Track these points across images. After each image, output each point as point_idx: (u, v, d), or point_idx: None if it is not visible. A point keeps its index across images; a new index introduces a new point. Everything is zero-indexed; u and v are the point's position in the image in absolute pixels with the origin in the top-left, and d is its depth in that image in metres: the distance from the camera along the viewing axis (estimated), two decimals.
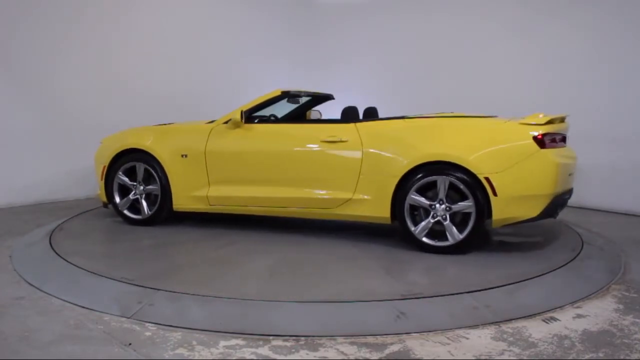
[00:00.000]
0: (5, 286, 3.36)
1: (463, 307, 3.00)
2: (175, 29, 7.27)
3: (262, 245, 4.25)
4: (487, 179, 3.82)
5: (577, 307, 3.11)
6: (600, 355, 2.50)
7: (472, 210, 3.87)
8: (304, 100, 5.50)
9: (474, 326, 2.80)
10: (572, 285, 3.44)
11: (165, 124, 5.30)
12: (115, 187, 4.92)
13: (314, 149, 4.39)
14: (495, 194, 3.81)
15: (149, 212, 4.84)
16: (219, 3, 7.85)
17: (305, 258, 3.93)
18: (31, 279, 3.46)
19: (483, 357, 2.46)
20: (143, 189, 4.87)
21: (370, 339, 2.64)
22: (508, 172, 3.82)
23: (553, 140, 3.91)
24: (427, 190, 4.00)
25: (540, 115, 4.00)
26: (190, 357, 2.44)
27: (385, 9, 8.07)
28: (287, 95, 4.80)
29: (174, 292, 3.11)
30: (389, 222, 4.15)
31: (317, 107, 5.71)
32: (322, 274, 3.57)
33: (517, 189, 3.83)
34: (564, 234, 4.70)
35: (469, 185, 3.86)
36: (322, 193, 4.34)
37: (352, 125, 4.34)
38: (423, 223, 4.00)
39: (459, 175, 3.89)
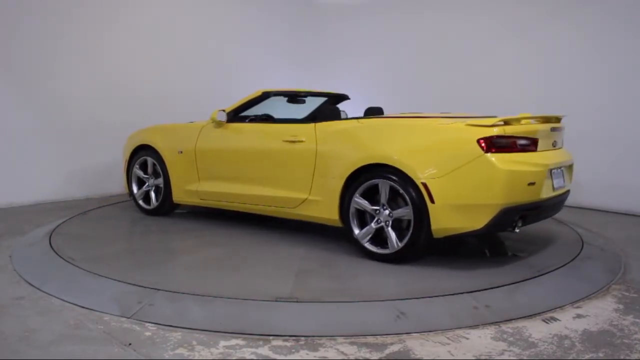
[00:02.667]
0: (5, 286, 3.36)
1: (463, 307, 3.00)
2: (176, 29, 7.27)
3: (216, 239, 4.45)
4: (424, 184, 3.52)
5: (577, 307, 3.11)
6: (600, 355, 2.50)
7: (411, 217, 3.60)
8: (320, 100, 5.51)
9: (474, 326, 2.80)
10: (572, 285, 3.44)
11: (191, 122, 5.43)
12: (134, 179, 5.46)
13: (276, 148, 4.40)
14: (432, 201, 3.49)
15: (156, 204, 5.28)
16: (219, 3, 7.85)
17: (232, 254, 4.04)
18: (31, 279, 3.46)
19: (483, 357, 2.46)
20: (153, 182, 5.32)
21: (370, 339, 2.64)
22: (448, 178, 3.47)
23: (508, 144, 3.49)
24: (376, 193, 3.78)
25: (526, 116, 3.71)
26: (190, 357, 2.44)
27: (385, 8, 8.07)
28: (269, 95, 4.82)
29: (174, 292, 3.11)
30: (339, 224, 4.02)
31: (341, 108, 5.69)
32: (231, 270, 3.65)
33: (457, 196, 3.46)
34: (564, 234, 4.70)
35: (408, 191, 3.60)
36: (283, 192, 4.35)
37: (312, 125, 4.26)
38: (365, 228, 3.82)
39: (398, 179, 3.64)
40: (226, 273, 3.57)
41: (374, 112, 4.84)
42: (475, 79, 7.02)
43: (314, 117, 5.49)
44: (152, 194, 5.32)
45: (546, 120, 3.91)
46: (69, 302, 3.06)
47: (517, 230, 3.60)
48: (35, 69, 6.03)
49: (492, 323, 2.84)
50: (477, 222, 3.45)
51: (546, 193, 3.67)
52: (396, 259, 3.71)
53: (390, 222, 3.73)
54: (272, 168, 4.45)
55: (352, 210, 3.88)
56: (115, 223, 5.06)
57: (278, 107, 5.26)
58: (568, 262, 3.79)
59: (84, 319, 2.84)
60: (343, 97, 5.56)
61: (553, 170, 3.74)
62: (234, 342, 2.60)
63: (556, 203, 3.94)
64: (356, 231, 3.88)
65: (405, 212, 3.64)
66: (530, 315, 2.95)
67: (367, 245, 3.83)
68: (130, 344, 2.55)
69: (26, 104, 6.01)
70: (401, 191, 3.63)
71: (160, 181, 5.20)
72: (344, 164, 3.91)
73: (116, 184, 6.74)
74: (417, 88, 7.63)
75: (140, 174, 5.38)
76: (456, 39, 7.27)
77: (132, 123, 6.80)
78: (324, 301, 3.02)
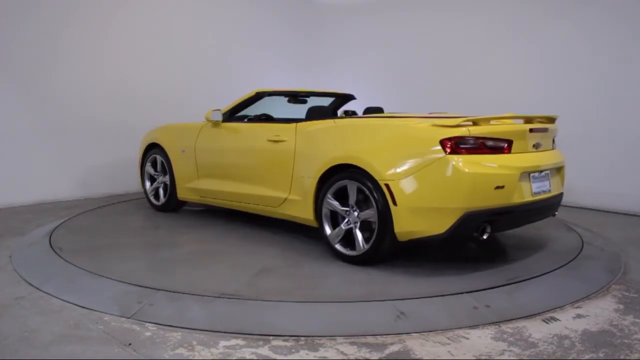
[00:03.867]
0: (5, 286, 3.36)
1: (463, 307, 3.00)
2: (176, 29, 7.28)
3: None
4: (387, 185, 3.43)
5: (577, 307, 3.11)
6: (600, 355, 2.50)
7: (375, 219, 3.53)
8: (330, 101, 5.54)
9: (474, 326, 2.80)
10: (572, 285, 3.44)
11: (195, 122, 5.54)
12: (147, 176, 5.69)
13: (261, 148, 4.44)
14: (394, 203, 3.40)
15: (163, 200, 5.51)
16: (219, 3, 7.85)
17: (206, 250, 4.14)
18: (31, 279, 3.46)
19: (483, 357, 2.46)
20: (161, 179, 5.54)
21: (370, 339, 2.64)
22: (410, 180, 3.36)
23: (474, 146, 3.35)
24: (347, 194, 3.73)
25: (510, 115, 3.65)
26: (190, 357, 2.44)
27: (385, 8, 8.08)
28: (262, 96, 4.86)
29: (174, 292, 3.11)
30: (315, 224, 4.00)
31: (346, 108, 5.71)
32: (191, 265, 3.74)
33: (419, 199, 3.35)
34: (564, 234, 4.70)
35: (372, 192, 3.52)
36: (267, 191, 4.39)
37: (293, 125, 4.26)
38: (336, 229, 3.80)
39: (364, 180, 3.58)
40: (188, 268, 3.66)
41: (373, 112, 4.85)
42: (476, 79, 7.02)
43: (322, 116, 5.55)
44: (161, 191, 5.55)
45: (528, 120, 3.77)
46: (69, 302, 3.06)
47: (484, 237, 3.42)
48: (35, 69, 6.03)
49: (492, 323, 2.84)
50: (440, 226, 3.32)
51: (520, 197, 3.47)
52: (362, 261, 3.65)
53: (358, 224, 3.68)
54: (257, 167, 4.52)
55: (324, 211, 3.87)
56: (115, 223, 5.06)
57: (279, 107, 5.27)
58: (568, 262, 3.79)
59: (84, 319, 2.84)
60: (349, 97, 5.56)
61: (532, 174, 3.59)
62: (234, 342, 2.60)
63: (540, 208, 3.72)
64: (328, 232, 3.86)
65: (370, 214, 3.57)
66: (530, 315, 2.95)
67: (337, 247, 3.79)
68: (130, 344, 2.55)
69: (26, 104, 6.02)
70: (367, 192, 3.56)
71: (167, 178, 5.42)
72: (317, 164, 3.90)
73: (116, 183, 6.75)
74: (417, 88, 7.64)
75: (152, 171, 5.62)
76: (456, 39, 7.27)
77: (132, 123, 6.82)
78: (324, 301, 3.02)
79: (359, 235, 3.67)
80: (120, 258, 3.85)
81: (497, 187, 3.32)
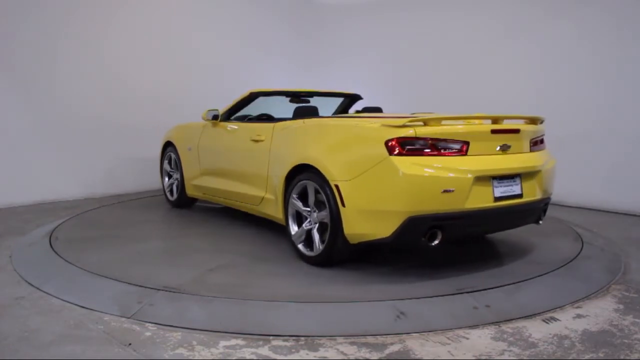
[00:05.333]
0: (5, 286, 3.36)
1: (463, 307, 3.00)
2: (176, 29, 7.28)
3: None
4: (336, 186, 3.38)
5: (577, 307, 3.11)
6: (600, 355, 2.50)
7: (328, 220, 3.49)
8: (333, 100, 5.62)
9: (474, 326, 2.80)
10: (572, 285, 3.44)
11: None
12: (164, 173, 5.92)
13: (244, 147, 4.51)
14: (343, 204, 3.34)
15: (176, 196, 5.74)
16: (220, 3, 7.85)
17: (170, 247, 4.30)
18: (31, 279, 3.46)
19: (483, 357, 2.46)
20: (175, 176, 5.73)
21: (370, 339, 2.64)
22: (357, 181, 3.29)
23: (421, 147, 3.20)
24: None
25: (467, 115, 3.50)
26: (190, 357, 2.44)
27: (385, 8, 8.08)
28: (256, 96, 4.91)
29: (174, 292, 3.11)
30: (284, 224, 3.99)
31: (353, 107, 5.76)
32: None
33: (366, 201, 3.27)
34: (564, 234, 4.70)
35: (326, 193, 3.47)
36: (249, 189, 4.46)
37: (272, 125, 4.27)
38: (299, 230, 3.78)
39: (320, 180, 3.53)
40: (146, 263, 3.75)
41: (371, 112, 4.86)
42: (475, 79, 7.03)
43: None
44: (174, 187, 5.77)
45: (495, 121, 3.57)
46: (69, 302, 3.06)
47: (434, 244, 3.27)
48: (35, 69, 6.03)
49: (492, 323, 2.84)
50: (385, 230, 3.22)
51: (477, 203, 3.27)
52: (319, 262, 3.62)
53: (317, 225, 3.65)
54: (241, 165, 4.60)
55: (290, 210, 3.85)
56: (115, 223, 5.06)
57: (282, 107, 5.28)
58: (568, 262, 3.79)
59: (84, 319, 2.84)
60: (355, 97, 5.57)
61: (495, 178, 3.38)
62: (234, 342, 2.60)
63: (506, 214, 3.51)
64: (292, 232, 3.85)
65: (325, 215, 3.53)
66: (530, 315, 2.95)
67: (300, 247, 3.78)
68: (130, 344, 2.55)
69: (26, 104, 6.01)
70: (321, 193, 3.53)
71: (179, 175, 5.64)
72: (285, 164, 3.90)
73: (116, 183, 6.74)
74: (417, 88, 7.64)
75: (168, 168, 5.86)
76: (456, 39, 7.27)
77: (132, 123, 6.83)
78: (324, 301, 3.02)
79: (316, 236, 3.65)
80: (120, 258, 3.84)
81: (445, 191, 3.15)
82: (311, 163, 3.60)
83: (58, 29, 6.17)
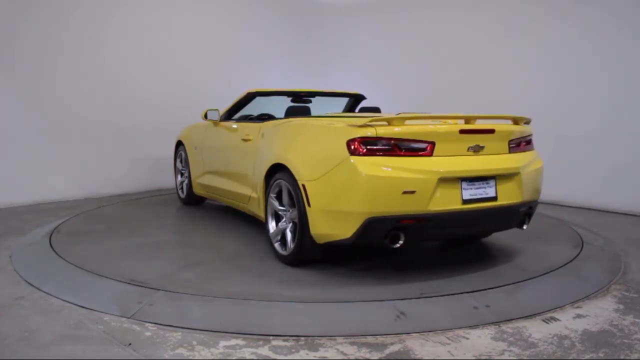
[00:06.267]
0: (5, 286, 3.36)
1: (463, 307, 3.00)
2: (176, 29, 7.28)
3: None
4: (303, 186, 3.38)
5: (577, 307, 3.11)
6: (600, 355, 2.50)
7: (297, 219, 3.49)
8: (346, 103, 5.64)
9: (474, 326, 2.80)
10: (572, 285, 3.44)
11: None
12: (176, 171, 6.09)
13: (235, 146, 4.57)
14: (309, 204, 3.34)
15: (185, 194, 5.89)
16: (219, 3, 7.85)
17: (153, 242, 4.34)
18: (31, 279, 3.46)
19: (483, 357, 2.46)
20: (186, 174, 5.82)
21: (370, 339, 2.64)
22: (321, 181, 3.27)
23: (382, 147, 3.14)
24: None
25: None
26: (190, 357, 2.44)
27: (385, 8, 8.08)
28: (254, 95, 4.94)
29: (174, 292, 3.11)
30: None
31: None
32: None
33: (328, 201, 3.25)
34: (564, 234, 4.70)
35: (296, 192, 3.47)
36: (240, 188, 4.51)
37: (260, 124, 4.29)
38: (276, 229, 3.78)
39: (291, 180, 3.53)
40: (127, 257, 3.85)
41: (368, 112, 4.87)
42: (475, 79, 7.03)
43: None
44: (184, 186, 5.90)
45: (467, 121, 3.43)
46: (69, 302, 3.06)
47: (397, 246, 3.20)
48: (35, 70, 6.03)
49: (492, 323, 2.84)
50: (346, 230, 3.19)
51: (442, 205, 3.18)
52: (291, 261, 3.62)
53: (290, 224, 3.64)
54: (233, 164, 4.67)
55: (269, 209, 3.86)
56: (115, 223, 5.06)
57: (284, 107, 5.28)
58: (568, 262, 3.79)
59: (84, 319, 2.84)
60: (359, 97, 5.58)
61: (464, 179, 3.28)
62: (234, 342, 2.60)
63: (478, 217, 3.39)
64: (270, 231, 3.86)
65: (295, 215, 3.54)
66: (530, 315, 2.95)
67: (276, 245, 3.79)
68: (130, 344, 2.55)
69: (26, 104, 6.02)
70: (292, 192, 3.53)
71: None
72: (265, 163, 3.92)
73: (116, 183, 6.74)
74: (416, 88, 7.64)
75: (180, 167, 6.02)
76: (456, 39, 7.27)
77: (132, 123, 6.83)
78: (324, 301, 3.02)
79: (288, 235, 3.65)
80: (121, 258, 3.84)
81: (406, 192, 3.07)
82: (284, 163, 3.62)
83: (58, 29, 6.17)
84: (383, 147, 3.14)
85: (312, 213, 3.34)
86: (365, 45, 8.31)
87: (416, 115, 3.41)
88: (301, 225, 3.45)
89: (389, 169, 3.08)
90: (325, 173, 3.25)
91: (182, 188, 5.99)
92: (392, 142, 3.14)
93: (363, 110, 5.03)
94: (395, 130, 3.16)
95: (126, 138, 6.80)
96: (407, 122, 3.25)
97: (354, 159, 3.10)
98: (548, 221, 5.25)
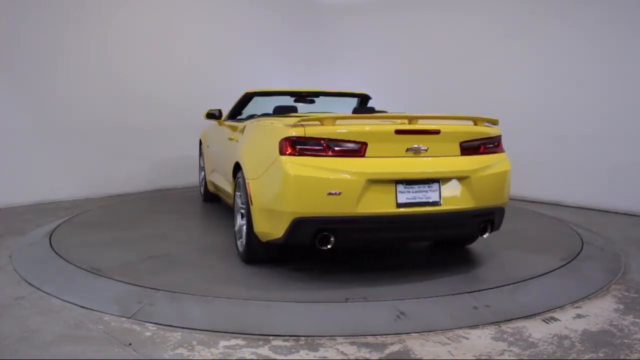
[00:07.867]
0: (5, 286, 3.36)
1: (463, 307, 3.00)
2: (176, 29, 7.28)
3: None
4: (248, 184, 3.44)
5: (577, 307, 3.11)
6: (600, 355, 2.50)
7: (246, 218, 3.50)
8: (347, 102, 5.62)
9: (474, 326, 2.80)
10: (572, 285, 3.44)
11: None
12: (200, 169, 6.36)
13: (225, 145, 4.67)
14: (251, 202, 3.36)
15: (203, 192, 6.19)
16: (219, 3, 7.85)
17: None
18: (31, 279, 3.46)
19: (483, 357, 2.46)
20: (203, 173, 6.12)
21: (370, 339, 2.64)
22: (260, 180, 3.31)
23: (313, 147, 3.09)
24: None
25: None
26: (190, 357, 2.44)
27: (385, 8, 8.08)
28: (252, 96, 5.07)
29: (174, 292, 3.11)
30: None
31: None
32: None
33: (265, 200, 3.26)
34: (564, 234, 4.70)
35: (247, 190, 3.50)
36: (227, 186, 4.59)
37: (244, 124, 4.30)
38: (238, 226, 3.77)
39: (242, 178, 3.61)
40: (106, 248, 4.05)
41: (362, 113, 4.84)
42: (475, 79, 7.02)
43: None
44: (203, 183, 6.16)
45: (411, 121, 3.29)
46: (69, 302, 3.06)
47: (326, 248, 3.14)
48: (35, 70, 6.03)
49: (492, 323, 2.84)
50: (278, 230, 3.17)
51: (372, 208, 3.08)
52: (245, 260, 3.64)
53: (245, 222, 3.62)
54: (222, 162, 4.77)
55: (236, 207, 3.91)
56: (115, 223, 5.05)
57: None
58: (568, 262, 3.79)
59: (84, 319, 2.84)
60: (365, 97, 5.55)
61: (402, 182, 3.16)
62: (234, 342, 2.60)
63: (419, 222, 3.24)
64: (236, 227, 3.88)
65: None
66: (530, 315, 2.95)
67: (238, 242, 3.80)
68: (130, 344, 2.55)
69: (26, 105, 6.02)
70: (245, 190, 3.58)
71: None
72: (231, 161, 4.08)
73: (116, 183, 6.74)
74: (416, 88, 7.64)
75: (202, 164, 6.25)
76: (456, 39, 7.27)
77: (132, 123, 6.83)
78: (324, 301, 3.02)
79: (244, 233, 3.63)
80: (121, 258, 3.84)
81: (331, 194, 3.01)
82: (239, 161, 3.76)
83: (58, 29, 6.17)
84: (313, 147, 3.11)
85: (254, 211, 3.37)
86: (366, 45, 8.31)
87: (349, 115, 3.39)
88: (248, 223, 3.47)
89: (316, 170, 3.05)
90: (263, 172, 3.30)
91: (202, 185, 6.21)
92: (323, 142, 3.11)
93: (355, 111, 4.98)
94: (326, 130, 3.11)
95: (126, 138, 6.80)
96: (338, 121, 3.19)
97: (283, 159, 3.11)
98: (548, 221, 5.25)
